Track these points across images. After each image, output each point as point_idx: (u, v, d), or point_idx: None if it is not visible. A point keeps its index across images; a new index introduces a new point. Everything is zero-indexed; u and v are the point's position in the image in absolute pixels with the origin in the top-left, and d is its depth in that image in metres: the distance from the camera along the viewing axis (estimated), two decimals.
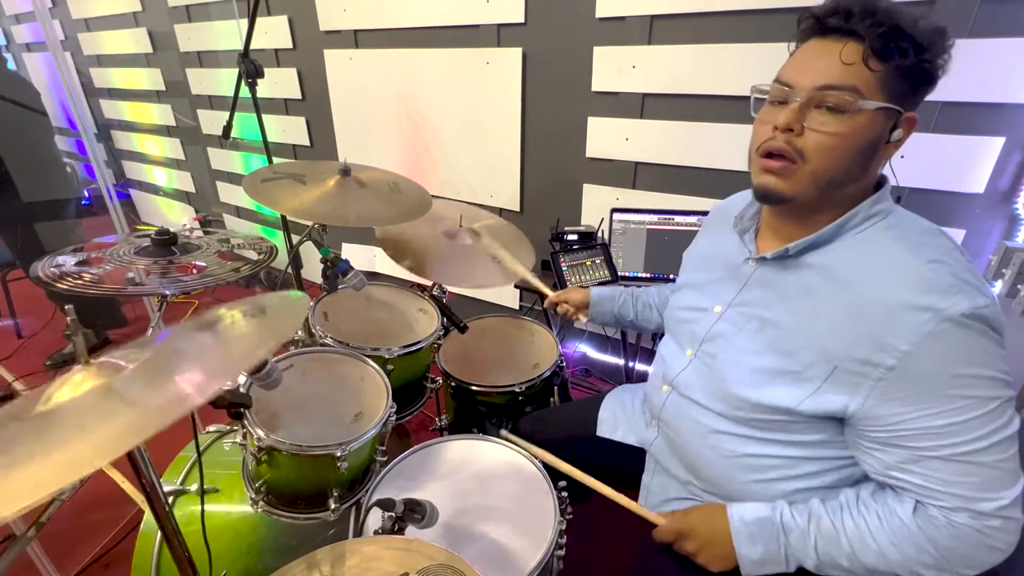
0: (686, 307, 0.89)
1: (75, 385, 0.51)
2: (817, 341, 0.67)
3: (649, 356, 1.84)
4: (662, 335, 1.01)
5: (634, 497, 0.92)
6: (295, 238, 1.37)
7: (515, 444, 1.01)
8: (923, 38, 0.60)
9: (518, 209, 2.10)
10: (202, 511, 0.95)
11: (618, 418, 1.05)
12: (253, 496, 0.97)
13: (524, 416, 1.23)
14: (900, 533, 0.65)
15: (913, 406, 0.62)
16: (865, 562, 0.67)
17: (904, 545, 0.64)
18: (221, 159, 3.20)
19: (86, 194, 2.92)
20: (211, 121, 3.12)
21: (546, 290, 1.26)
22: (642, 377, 1.80)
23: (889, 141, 0.64)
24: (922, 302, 0.60)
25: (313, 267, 1.40)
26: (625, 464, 1.01)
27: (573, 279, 1.52)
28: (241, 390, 0.93)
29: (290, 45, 2.49)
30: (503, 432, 1.03)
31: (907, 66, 0.60)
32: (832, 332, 0.66)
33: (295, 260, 1.48)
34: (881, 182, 0.71)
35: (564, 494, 0.93)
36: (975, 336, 0.59)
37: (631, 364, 1.85)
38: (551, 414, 1.25)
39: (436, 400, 1.46)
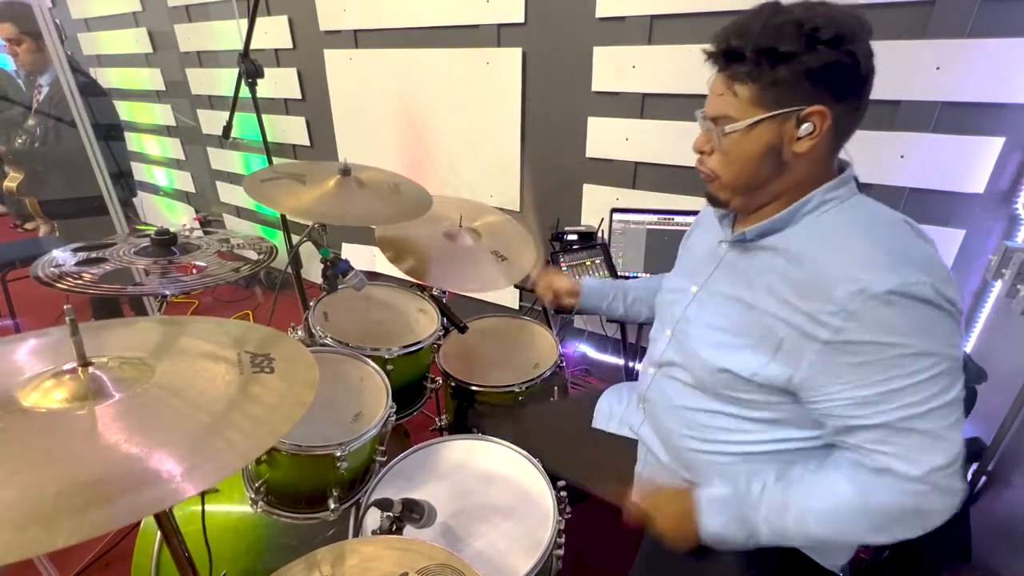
0: (670, 289, 0.94)
1: (44, 392, 0.51)
2: (768, 316, 0.71)
3: None
4: None
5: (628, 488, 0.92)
6: (295, 238, 1.37)
7: None
8: (793, 46, 0.62)
9: (518, 209, 2.10)
10: (202, 511, 0.95)
11: (614, 411, 1.07)
12: (253, 496, 0.97)
13: (523, 409, 1.24)
14: (839, 498, 0.67)
15: (844, 379, 0.65)
16: (809, 530, 0.68)
17: (843, 513, 0.67)
18: (221, 159, 3.20)
19: None
20: (211, 121, 3.12)
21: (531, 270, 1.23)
22: None
23: (801, 137, 0.67)
24: (854, 278, 0.63)
25: (313, 267, 1.40)
26: (619, 457, 1.02)
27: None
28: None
29: (290, 45, 2.49)
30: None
31: (779, 77, 0.64)
32: (781, 307, 0.70)
33: (295, 260, 1.48)
34: (843, 167, 0.74)
35: (563, 494, 0.93)
36: (902, 311, 0.61)
37: (631, 364, 1.85)
38: (550, 407, 1.28)
39: (436, 400, 1.46)
